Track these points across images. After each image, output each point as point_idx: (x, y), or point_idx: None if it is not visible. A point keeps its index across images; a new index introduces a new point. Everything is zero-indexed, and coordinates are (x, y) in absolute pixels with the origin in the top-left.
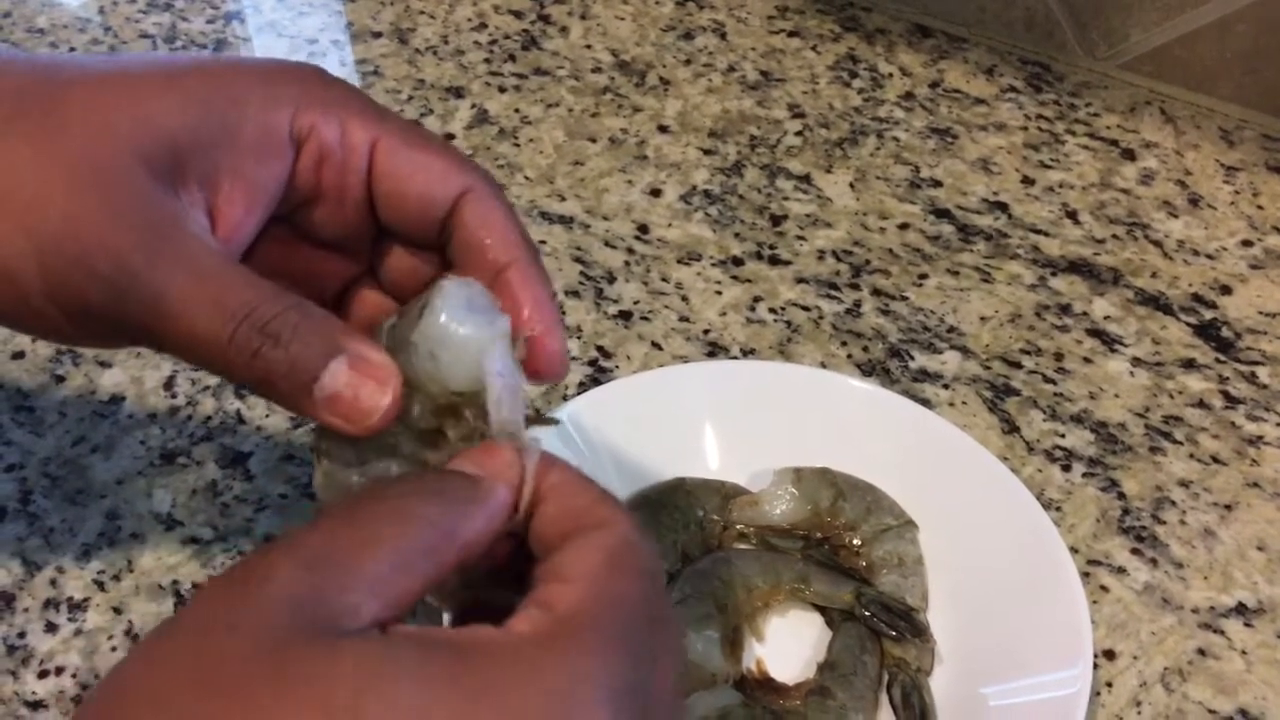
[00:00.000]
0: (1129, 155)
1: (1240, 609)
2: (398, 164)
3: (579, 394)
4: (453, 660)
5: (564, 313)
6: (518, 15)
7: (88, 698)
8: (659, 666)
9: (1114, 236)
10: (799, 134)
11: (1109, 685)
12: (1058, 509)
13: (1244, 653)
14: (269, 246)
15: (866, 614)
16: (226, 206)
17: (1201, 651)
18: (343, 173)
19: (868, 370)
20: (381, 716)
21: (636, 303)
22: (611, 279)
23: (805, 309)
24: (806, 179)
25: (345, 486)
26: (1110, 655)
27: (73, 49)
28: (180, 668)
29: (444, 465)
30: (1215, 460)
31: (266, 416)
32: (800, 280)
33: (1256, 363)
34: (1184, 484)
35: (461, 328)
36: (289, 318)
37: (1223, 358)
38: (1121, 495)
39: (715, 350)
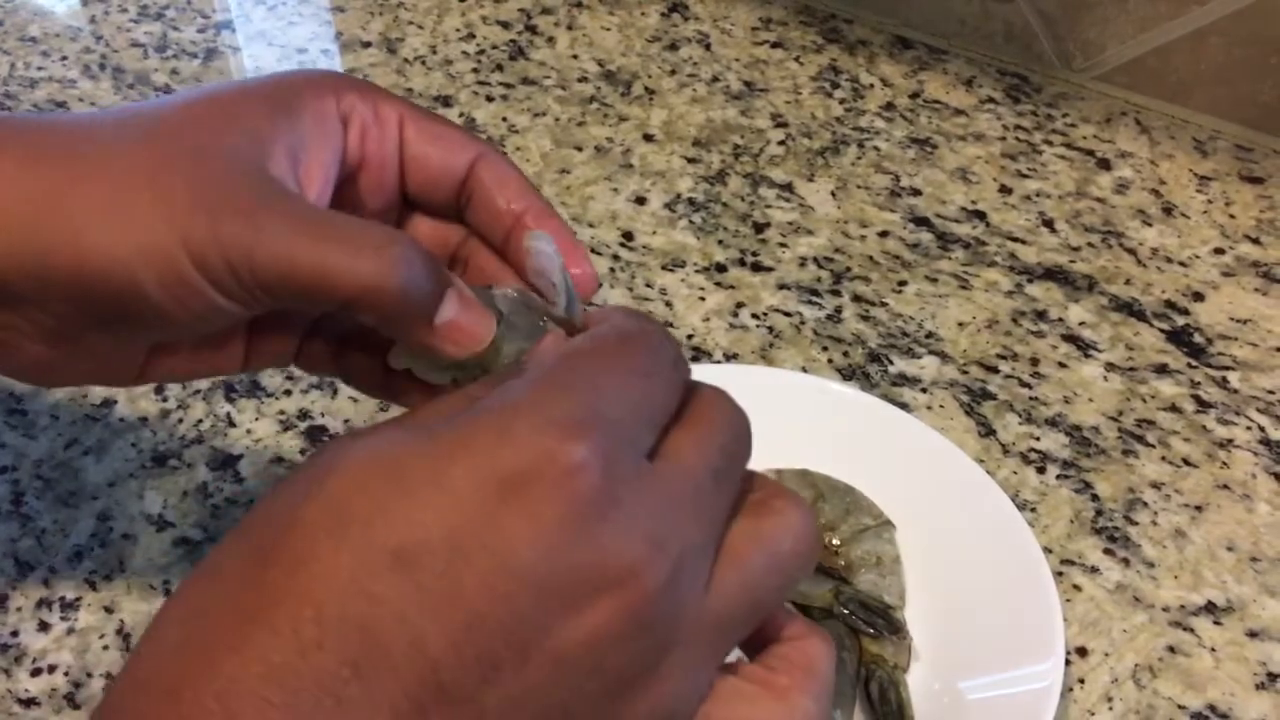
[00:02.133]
0: (1105, 165)
1: (1210, 607)
2: (421, 134)
3: None
4: (407, 434)
5: None
6: (505, 26)
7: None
8: (645, 397)
9: (1089, 244)
10: (781, 143)
11: (1081, 681)
12: (1032, 510)
13: (1213, 650)
14: None
15: (845, 612)
16: (306, 178)
17: (1172, 649)
18: (381, 142)
19: (848, 374)
20: (338, 483)
21: None
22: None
23: (787, 315)
24: (789, 187)
25: None
26: (1083, 652)
27: (64, 57)
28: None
29: None
30: (1186, 463)
31: (256, 420)
32: (782, 286)
33: (1227, 368)
34: (1156, 486)
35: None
36: (417, 248)
37: (1194, 363)
38: (1095, 497)
39: (699, 355)
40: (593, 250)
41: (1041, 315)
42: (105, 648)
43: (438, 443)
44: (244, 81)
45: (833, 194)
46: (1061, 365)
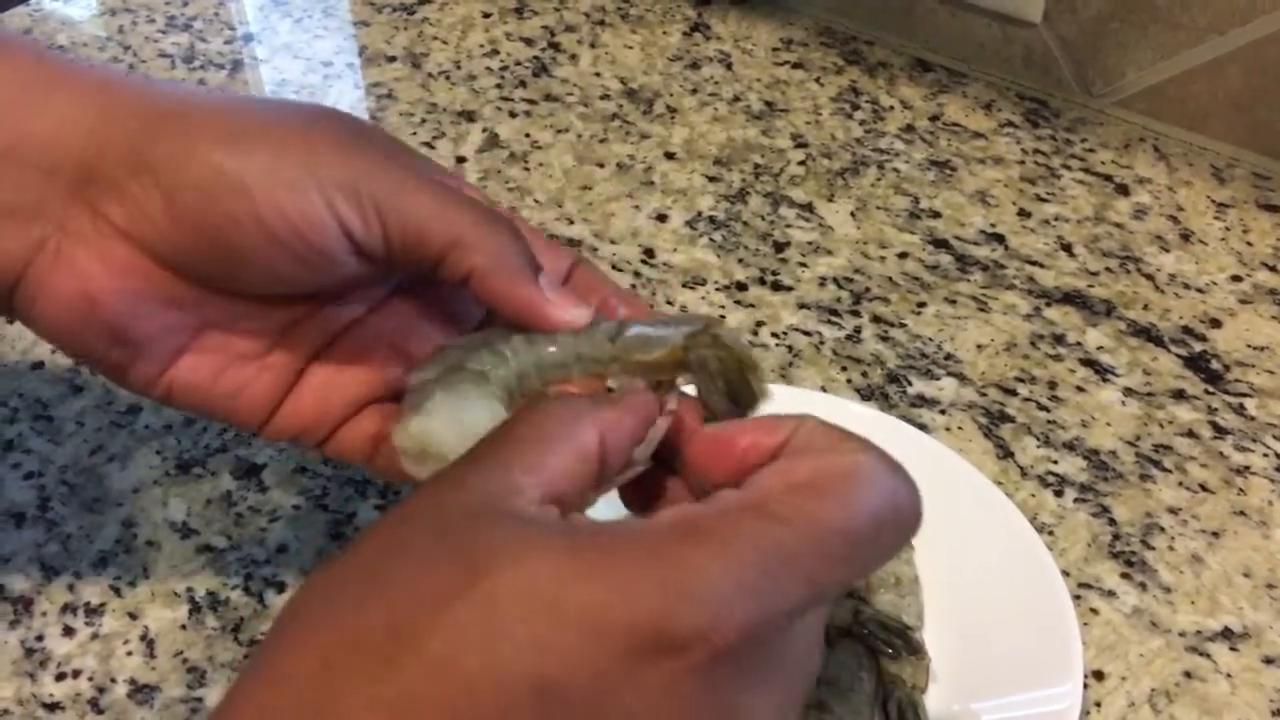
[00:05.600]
0: (1123, 190)
1: (1226, 633)
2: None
3: None
4: (589, 539)
5: None
6: (529, 42)
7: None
8: (801, 607)
9: (1107, 269)
10: (802, 163)
11: (1098, 705)
12: (1050, 533)
13: (1229, 676)
14: None
15: (864, 632)
16: None
17: (1188, 674)
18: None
19: (867, 395)
20: (511, 577)
21: None
22: None
23: (807, 334)
24: (809, 207)
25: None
26: (1100, 676)
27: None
28: (371, 553)
29: None
30: (1203, 489)
31: None
32: (802, 306)
33: (1244, 394)
34: (1173, 511)
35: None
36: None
37: (1212, 389)
38: (1112, 521)
39: None
40: (614, 267)
41: (1060, 339)
42: (129, 654)
43: (603, 578)
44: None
45: (852, 215)
46: (1079, 389)
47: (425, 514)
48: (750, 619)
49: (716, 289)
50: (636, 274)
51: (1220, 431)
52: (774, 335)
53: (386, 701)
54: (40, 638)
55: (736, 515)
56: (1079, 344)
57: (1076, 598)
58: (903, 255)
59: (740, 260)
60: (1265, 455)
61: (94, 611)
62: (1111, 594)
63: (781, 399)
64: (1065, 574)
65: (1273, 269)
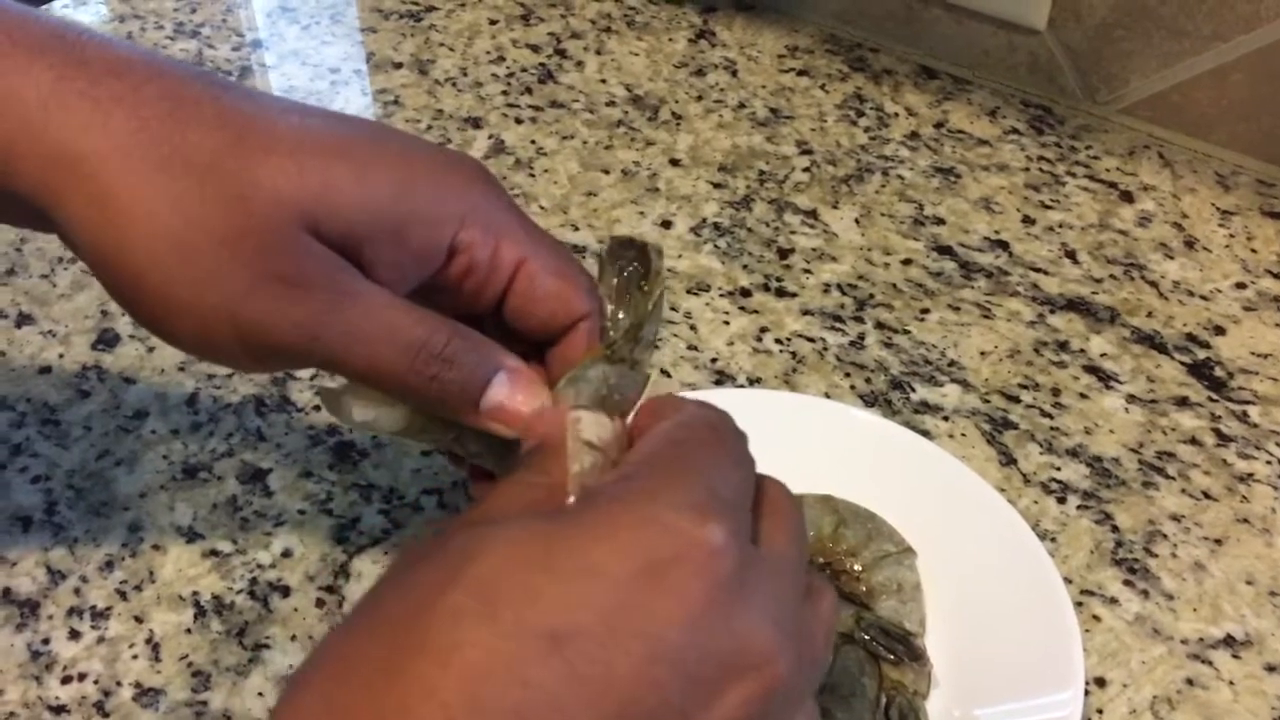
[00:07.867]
0: (1127, 197)
1: (1228, 641)
2: (534, 289)
3: None
4: (557, 513)
5: None
6: (535, 49)
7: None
8: (743, 484)
9: (1111, 276)
10: (806, 170)
11: (1100, 712)
12: (1053, 540)
13: (1231, 683)
14: None
15: (866, 638)
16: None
17: (1190, 681)
18: (484, 284)
19: (870, 401)
20: (496, 557)
21: None
22: None
23: (810, 340)
24: (813, 214)
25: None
26: (1101, 683)
27: None
28: (362, 600)
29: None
30: (1206, 496)
31: (286, 434)
32: (806, 312)
33: (1248, 402)
34: (1176, 518)
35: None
36: (456, 344)
37: (1215, 396)
38: (1115, 528)
39: (722, 379)
40: None
41: (1063, 346)
42: (135, 657)
43: (581, 527)
44: (373, 160)
45: (856, 221)
46: (1083, 396)
47: (407, 551)
48: (720, 511)
49: (720, 295)
50: None
51: (1223, 439)
52: (778, 341)
53: (395, 707)
54: (46, 641)
55: (648, 457)
56: (1082, 351)
57: (1079, 604)
58: (907, 262)
59: (744, 266)
60: (1269, 463)
61: (100, 615)
62: (1114, 601)
63: (785, 405)
64: (1067, 581)
65: (1277, 276)
